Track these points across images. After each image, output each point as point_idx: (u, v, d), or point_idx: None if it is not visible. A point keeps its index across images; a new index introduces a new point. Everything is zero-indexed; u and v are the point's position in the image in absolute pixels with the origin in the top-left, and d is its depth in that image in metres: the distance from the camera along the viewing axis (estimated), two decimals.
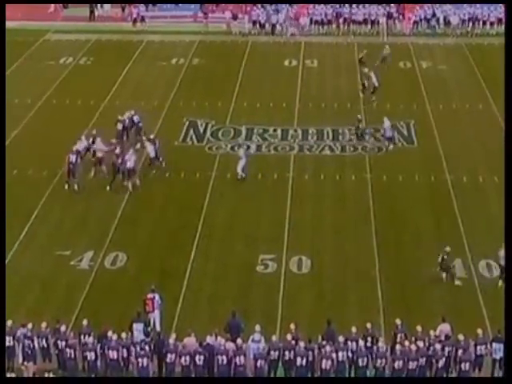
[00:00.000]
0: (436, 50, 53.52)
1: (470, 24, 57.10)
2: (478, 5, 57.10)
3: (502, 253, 28.31)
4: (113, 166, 35.04)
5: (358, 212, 33.67)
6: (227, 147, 39.06)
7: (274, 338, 24.37)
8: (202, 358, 23.70)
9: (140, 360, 23.69)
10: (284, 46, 54.57)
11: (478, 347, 24.06)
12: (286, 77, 48.81)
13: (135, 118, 38.97)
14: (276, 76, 48.77)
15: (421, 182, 35.93)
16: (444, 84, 46.91)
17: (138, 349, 23.84)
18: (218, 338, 24.26)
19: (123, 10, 60.96)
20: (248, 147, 35.90)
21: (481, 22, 57.27)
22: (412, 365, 23.48)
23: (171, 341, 23.93)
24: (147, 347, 24.06)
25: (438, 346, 23.78)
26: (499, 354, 24.08)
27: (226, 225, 32.87)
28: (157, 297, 26.21)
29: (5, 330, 24.09)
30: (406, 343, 23.94)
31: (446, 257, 28.92)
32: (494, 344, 24.21)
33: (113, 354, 23.82)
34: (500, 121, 41.45)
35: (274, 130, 41.12)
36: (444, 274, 28.97)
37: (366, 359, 23.72)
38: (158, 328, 25.90)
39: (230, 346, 24.01)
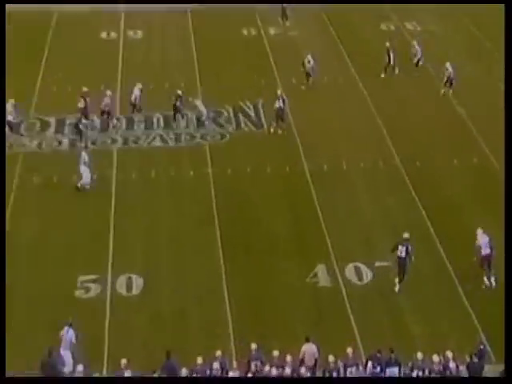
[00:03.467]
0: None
1: None
2: None
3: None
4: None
5: (198, 214, 33.86)
6: (32, 144, 38.39)
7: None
8: None
9: None
10: (99, 17, 54.00)
11: (349, 369, 24.46)
12: (103, 53, 48.59)
13: None
14: (91, 52, 48.35)
15: (274, 173, 36.44)
16: (296, 54, 47.43)
17: None
18: None
19: None
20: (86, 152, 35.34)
21: None
22: None
23: None
24: None
25: (302, 371, 24.09)
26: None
27: (33, 243, 32.27)
28: (70, 332, 26.02)
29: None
30: (265, 369, 24.13)
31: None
32: (369, 363, 24.64)
33: None
34: (365, 96, 42.51)
35: (91, 120, 40.67)
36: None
37: None
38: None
39: None
